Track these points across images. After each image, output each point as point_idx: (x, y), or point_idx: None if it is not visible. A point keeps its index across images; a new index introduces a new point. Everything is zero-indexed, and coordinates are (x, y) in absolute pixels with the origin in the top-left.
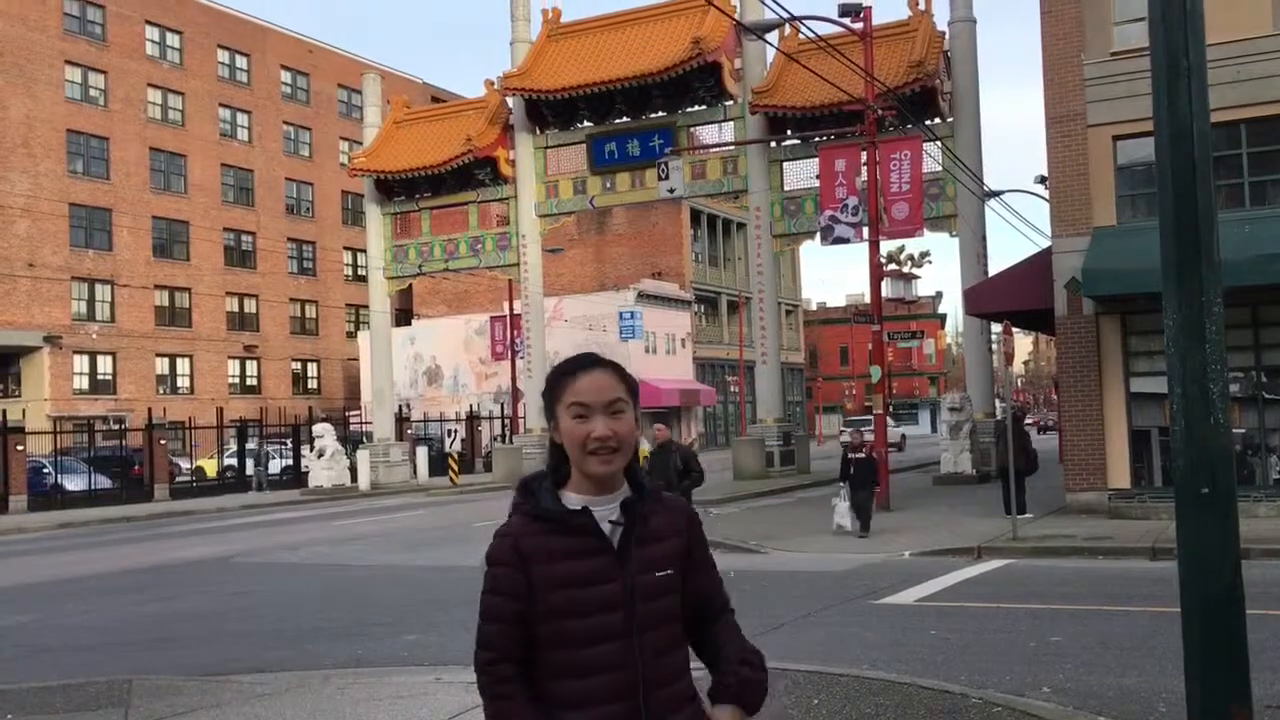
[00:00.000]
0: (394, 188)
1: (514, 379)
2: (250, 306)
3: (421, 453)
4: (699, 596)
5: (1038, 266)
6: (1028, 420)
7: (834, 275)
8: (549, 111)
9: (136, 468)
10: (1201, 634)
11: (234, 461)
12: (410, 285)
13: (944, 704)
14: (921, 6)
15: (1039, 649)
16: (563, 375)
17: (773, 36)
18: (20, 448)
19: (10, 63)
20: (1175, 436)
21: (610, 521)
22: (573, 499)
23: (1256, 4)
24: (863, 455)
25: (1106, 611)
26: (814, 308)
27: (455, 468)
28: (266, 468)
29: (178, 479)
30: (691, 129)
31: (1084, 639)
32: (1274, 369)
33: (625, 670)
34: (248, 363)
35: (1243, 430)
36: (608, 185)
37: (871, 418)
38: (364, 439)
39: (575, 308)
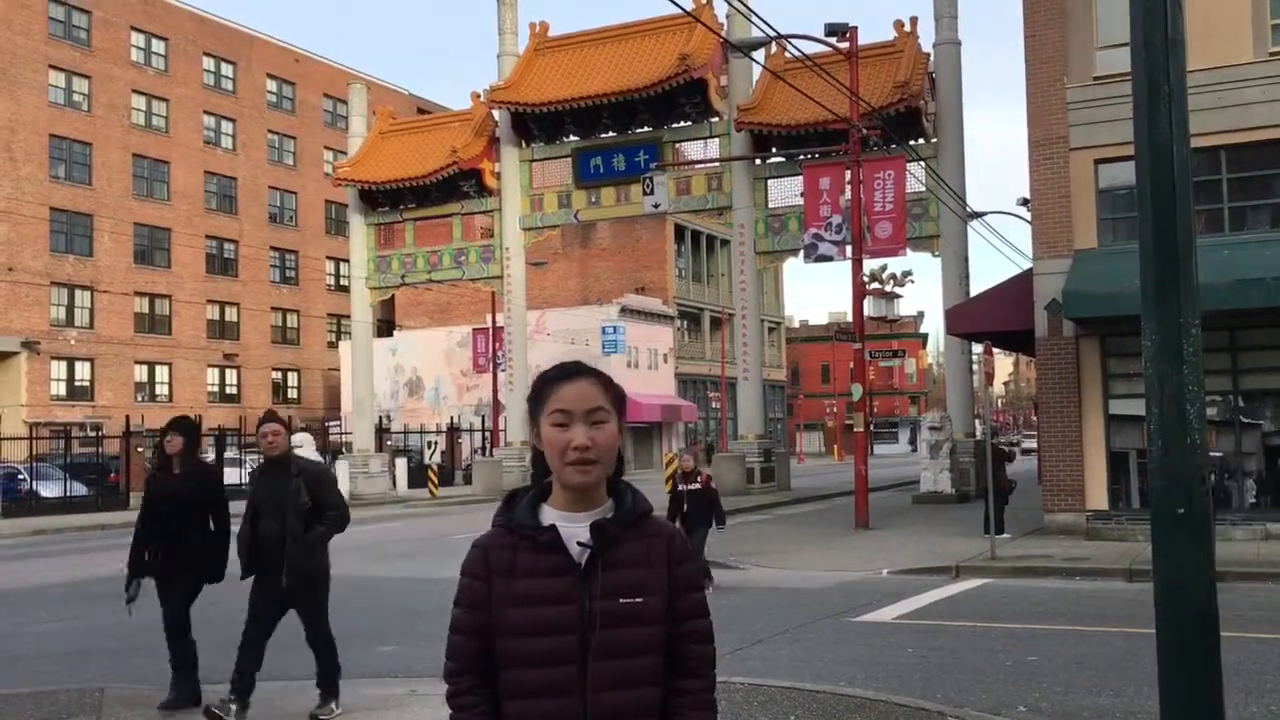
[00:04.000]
0: (378, 198)
1: (495, 392)
2: (231, 315)
3: (401, 464)
4: (669, 642)
5: (1019, 288)
6: (1014, 443)
7: (817, 294)
8: (535, 125)
9: (113, 475)
10: (1177, 655)
11: None
12: (393, 296)
13: None
14: (907, 28)
15: (1015, 668)
16: (548, 382)
17: (759, 55)
18: None
19: None
20: (1152, 457)
21: (579, 543)
22: (550, 513)
23: (1238, 32)
24: (698, 486)
25: (1083, 632)
26: (796, 325)
27: (435, 480)
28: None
29: None
30: (677, 145)
31: (1060, 659)
32: (1251, 393)
33: (574, 697)
34: (227, 371)
35: (1220, 454)
36: (593, 199)
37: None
38: (343, 449)
39: (558, 321)
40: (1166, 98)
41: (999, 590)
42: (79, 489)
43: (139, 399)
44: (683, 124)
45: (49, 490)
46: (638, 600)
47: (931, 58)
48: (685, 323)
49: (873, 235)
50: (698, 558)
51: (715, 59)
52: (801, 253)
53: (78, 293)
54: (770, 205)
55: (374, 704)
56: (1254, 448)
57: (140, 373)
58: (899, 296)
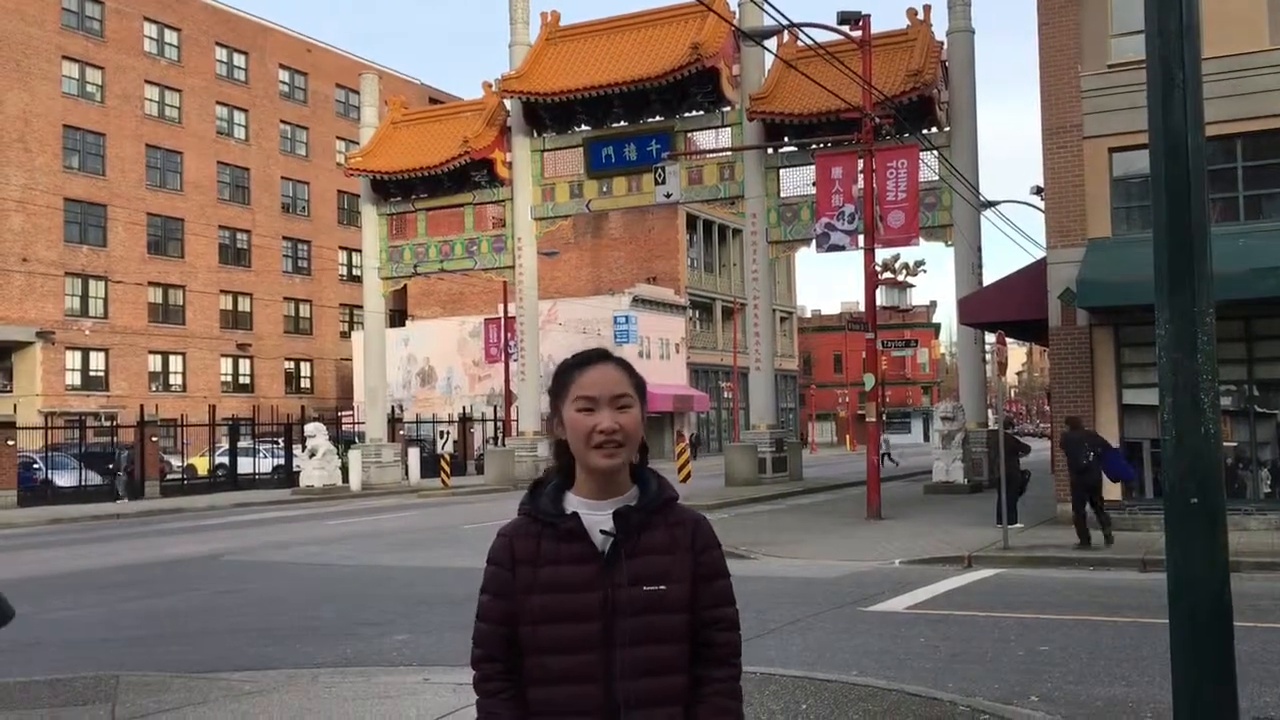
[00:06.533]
0: (390, 188)
1: (507, 382)
2: (244, 305)
3: (413, 454)
4: (694, 627)
5: (1032, 277)
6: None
7: (829, 283)
8: (546, 114)
9: (128, 466)
10: (1190, 645)
11: (225, 460)
12: (405, 286)
13: (932, 711)
14: (920, 16)
15: (1028, 658)
16: (570, 369)
17: (771, 43)
18: (11, 443)
19: (7, 57)
20: (1166, 446)
21: (602, 531)
22: (573, 501)
23: (1254, 20)
24: None
25: (1095, 622)
26: (808, 315)
27: (447, 470)
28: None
29: (169, 476)
30: (689, 134)
31: (1073, 648)
32: (1266, 382)
33: (599, 684)
34: (240, 361)
35: (1234, 444)
36: (604, 189)
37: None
38: (356, 439)
39: (570, 311)
40: (1181, 85)
41: (1011, 580)
42: (94, 479)
43: (153, 389)
44: (695, 113)
45: (64, 480)
46: (661, 588)
47: (945, 46)
48: (697, 312)
49: (885, 225)
50: None
51: (727, 48)
52: (814, 242)
53: (92, 283)
54: (782, 194)
55: (388, 691)
56: (1269, 437)
57: (154, 362)
58: (911, 286)
